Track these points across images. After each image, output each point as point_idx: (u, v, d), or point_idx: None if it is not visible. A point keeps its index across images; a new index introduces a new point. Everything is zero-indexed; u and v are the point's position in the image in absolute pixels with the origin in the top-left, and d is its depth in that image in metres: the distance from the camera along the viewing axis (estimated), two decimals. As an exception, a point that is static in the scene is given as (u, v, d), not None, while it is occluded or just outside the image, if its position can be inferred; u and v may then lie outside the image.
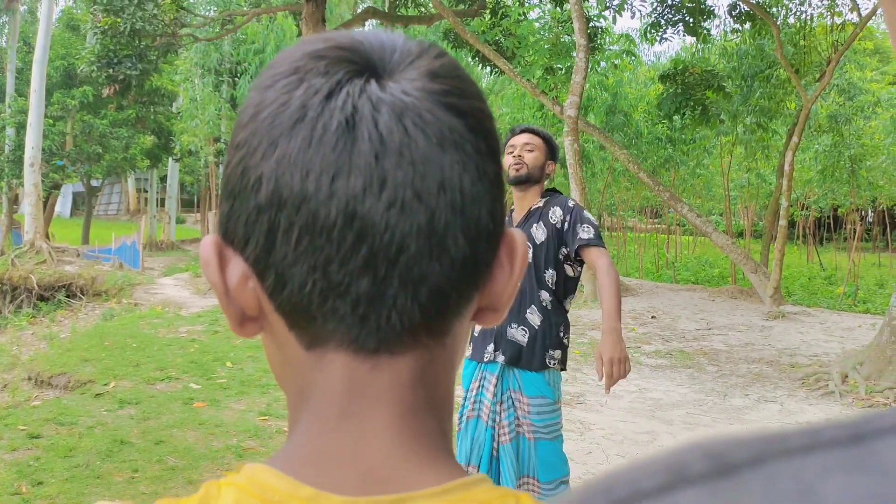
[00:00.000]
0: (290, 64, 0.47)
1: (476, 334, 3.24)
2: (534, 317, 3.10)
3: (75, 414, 6.02)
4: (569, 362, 3.29)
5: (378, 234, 0.44)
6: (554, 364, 3.12)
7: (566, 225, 3.11)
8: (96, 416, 5.98)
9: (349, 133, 0.43)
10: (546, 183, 3.30)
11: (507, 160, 3.19)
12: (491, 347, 3.15)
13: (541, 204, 3.19)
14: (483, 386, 3.17)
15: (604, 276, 3.02)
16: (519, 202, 3.27)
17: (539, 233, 3.14)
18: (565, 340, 3.21)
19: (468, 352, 3.25)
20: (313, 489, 0.44)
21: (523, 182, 3.17)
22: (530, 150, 3.17)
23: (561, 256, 3.13)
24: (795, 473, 0.17)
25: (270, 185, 0.44)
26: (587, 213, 3.14)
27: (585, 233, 3.05)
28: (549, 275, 3.12)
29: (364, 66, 0.46)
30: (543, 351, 3.12)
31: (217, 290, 0.48)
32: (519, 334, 3.11)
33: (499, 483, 3.14)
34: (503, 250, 0.50)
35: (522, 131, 3.26)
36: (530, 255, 3.09)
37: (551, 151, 3.24)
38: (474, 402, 3.20)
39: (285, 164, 0.44)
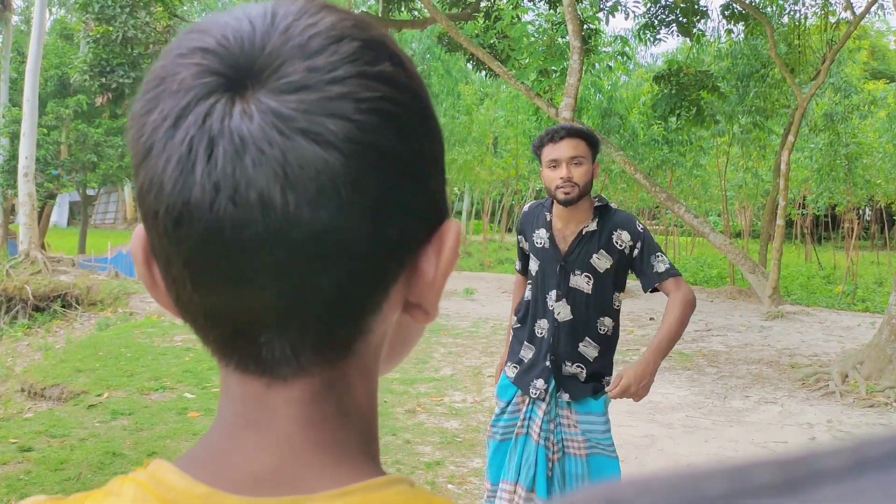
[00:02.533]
0: (158, 70, 0.44)
1: (522, 354, 3.01)
2: (589, 349, 2.90)
3: (68, 426, 5.95)
4: None
5: (229, 260, 0.42)
6: (607, 386, 2.92)
7: (636, 252, 2.84)
8: (89, 428, 5.91)
9: (186, 174, 0.41)
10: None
11: (549, 176, 2.78)
12: (540, 383, 2.93)
13: (595, 227, 2.84)
14: (531, 415, 2.97)
15: (677, 307, 2.76)
16: (566, 218, 2.87)
17: (602, 262, 2.84)
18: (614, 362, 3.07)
19: (511, 373, 3.05)
20: (208, 487, 0.45)
21: (573, 203, 2.78)
22: (578, 164, 2.74)
23: (621, 276, 2.90)
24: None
25: (143, 203, 0.44)
26: (652, 238, 2.87)
27: (662, 264, 2.81)
28: (616, 297, 2.90)
29: (226, 75, 0.42)
30: (600, 380, 2.94)
31: (144, 283, 0.48)
32: (576, 370, 2.90)
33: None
34: (432, 244, 0.48)
35: (564, 136, 2.76)
36: (590, 286, 2.84)
37: (595, 151, 2.82)
38: (524, 419, 3.00)
39: (147, 186, 0.43)
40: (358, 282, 0.44)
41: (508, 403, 3.06)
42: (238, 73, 0.42)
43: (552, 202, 2.90)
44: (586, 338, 2.89)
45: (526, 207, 3.11)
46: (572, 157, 2.74)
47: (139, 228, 0.47)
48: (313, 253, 0.42)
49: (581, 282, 2.85)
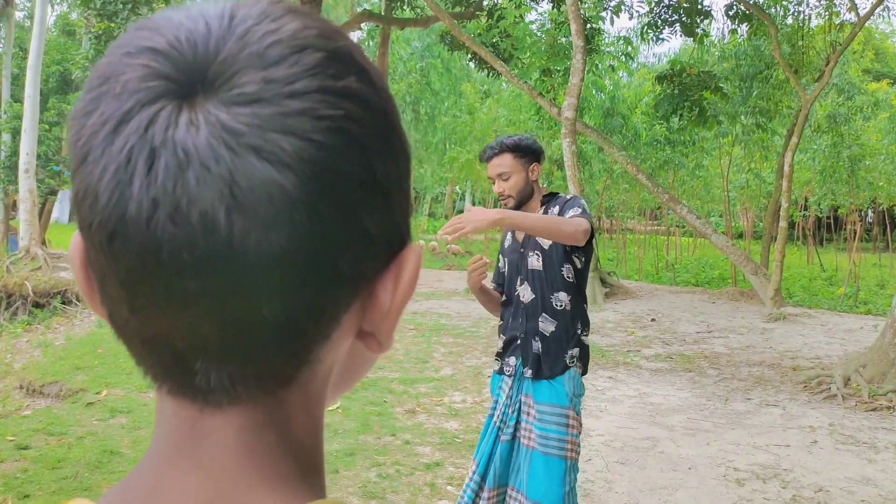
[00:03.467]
0: (102, 68, 0.40)
1: (499, 345, 3.22)
2: (546, 325, 3.06)
3: (65, 424, 5.92)
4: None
5: (166, 284, 0.38)
6: (573, 363, 3.06)
7: (559, 213, 3.05)
8: (87, 426, 5.88)
9: (123, 186, 0.38)
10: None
11: (494, 190, 3.15)
12: (512, 360, 3.15)
13: (541, 213, 3.12)
14: (501, 388, 3.18)
15: (566, 218, 2.93)
16: None
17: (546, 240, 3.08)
18: (584, 339, 3.13)
19: (496, 365, 3.26)
20: None
21: (518, 208, 3.09)
22: (506, 179, 3.07)
23: (569, 248, 3.05)
24: None
25: (79, 211, 0.41)
26: (580, 200, 3.07)
27: (572, 212, 3.00)
28: (566, 270, 3.06)
29: (175, 80, 0.38)
30: (561, 353, 3.05)
31: (82, 291, 0.45)
32: (536, 345, 3.08)
33: (482, 482, 3.07)
34: (390, 271, 0.45)
35: (490, 156, 3.09)
36: (540, 262, 3.05)
37: (529, 156, 3.08)
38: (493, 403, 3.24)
39: (81, 195, 0.40)
40: (306, 311, 0.41)
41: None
42: (188, 78, 0.38)
43: None
44: (543, 314, 3.07)
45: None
46: (499, 174, 3.07)
47: (77, 234, 0.43)
48: (259, 281, 0.38)
49: (534, 261, 3.10)
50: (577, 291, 3.08)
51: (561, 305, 3.04)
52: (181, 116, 0.37)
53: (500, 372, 3.19)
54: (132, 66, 0.39)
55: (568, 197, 3.13)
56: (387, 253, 0.44)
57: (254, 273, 0.38)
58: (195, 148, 0.37)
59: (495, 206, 3.52)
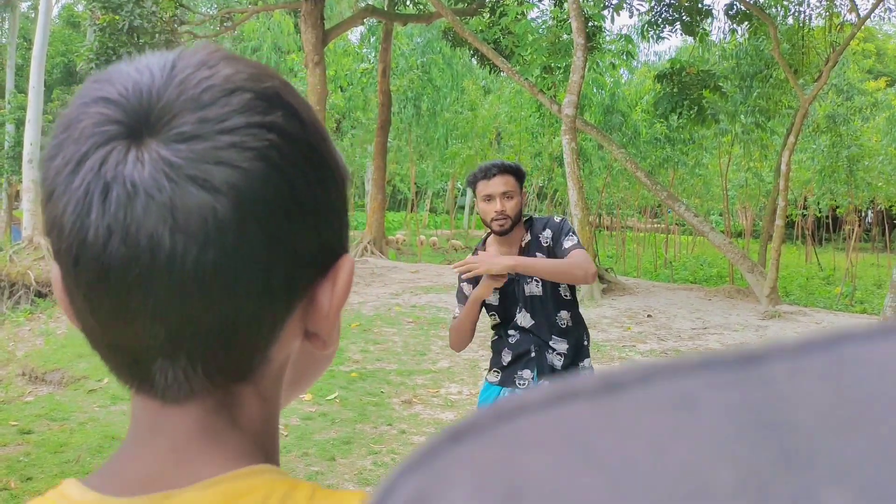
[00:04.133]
0: (64, 117, 0.48)
1: (504, 359, 3.17)
2: (559, 344, 3.11)
3: (68, 410, 6.04)
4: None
5: (119, 295, 0.46)
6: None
7: (553, 238, 3.11)
8: (89, 412, 6.00)
9: (82, 217, 0.45)
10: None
11: (485, 209, 3.05)
12: (526, 373, 3.13)
13: (529, 237, 3.12)
14: None
15: (571, 259, 3.01)
16: (506, 244, 3.13)
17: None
18: (589, 347, 3.23)
19: (493, 378, 3.22)
20: (98, 494, 0.49)
21: (507, 233, 3.07)
22: (510, 198, 3.02)
23: None
24: (679, 387, 0.18)
25: (50, 239, 0.49)
26: (569, 223, 3.16)
27: (569, 241, 3.08)
28: (563, 289, 3.12)
29: (125, 124, 0.46)
30: (576, 367, 3.14)
31: (63, 310, 0.52)
32: (551, 358, 3.11)
33: None
34: (327, 280, 0.52)
35: (497, 173, 3.03)
36: (539, 287, 3.08)
37: (523, 182, 3.11)
38: None
39: (50, 226, 0.48)
40: (246, 318, 0.47)
41: None
42: (135, 122, 0.45)
43: (485, 242, 3.18)
44: (553, 336, 3.10)
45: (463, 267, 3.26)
46: (504, 192, 3.01)
47: (56, 266, 0.50)
48: (199, 291, 0.45)
49: (533, 287, 3.11)
50: (574, 305, 3.17)
51: (565, 324, 3.11)
52: (129, 154, 0.45)
53: (506, 384, 3.17)
54: (88, 114, 0.47)
55: (556, 220, 3.16)
56: (321, 263, 0.51)
57: (194, 284, 0.45)
58: (141, 180, 0.44)
59: (482, 243, 3.55)
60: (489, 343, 3.37)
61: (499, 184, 3.01)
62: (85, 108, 0.47)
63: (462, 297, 3.21)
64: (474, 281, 3.13)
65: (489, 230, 3.12)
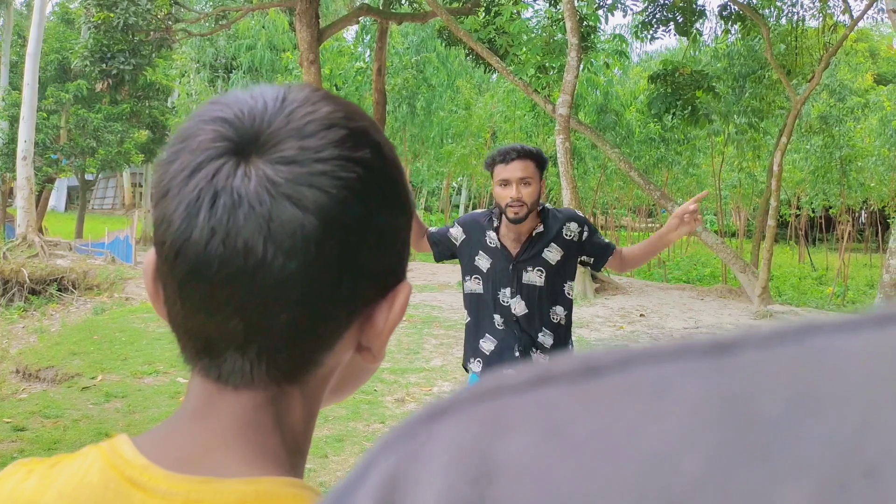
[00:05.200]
0: (183, 130, 0.55)
1: (485, 347, 3.13)
2: (546, 338, 3.08)
3: (61, 407, 6.05)
4: None
5: (211, 289, 0.52)
6: None
7: (585, 235, 3.08)
8: (82, 410, 6.01)
9: (191, 217, 0.52)
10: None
11: (500, 194, 2.95)
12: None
13: (542, 228, 3.05)
14: None
15: (639, 250, 3.19)
16: (516, 230, 3.04)
17: (553, 254, 3.05)
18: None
19: (477, 367, 3.16)
20: (147, 460, 0.55)
21: (522, 221, 2.98)
22: (528, 185, 2.92)
23: (575, 266, 3.12)
24: (657, 375, 0.18)
25: (156, 233, 0.55)
26: (586, 218, 3.18)
27: (605, 239, 3.15)
28: (568, 287, 3.10)
29: (236, 142, 0.53)
30: None
31: (149, 296, 0.59)
32: (536, 356, 3.09)
33: None
34: (386, 300, 0.58)
35: (515, 158, 2.92)
36: (542, 279, 3.04)
37: (543, 169, 3.00)
38: None
39: (160, 221, 0.54)
40: (312, 322, 0.54)
41: None
42: (246, 142, 0.52)
43: (500, 212, 3.06)
44: (543, 328, 3.06)
45: (475, 212, 3.24)
46: (521, 178, 2.92)
47: (151, 251, 0.57)
48: (279, 294, 0.52)
49: (534, 277, 3.05)
50: (572, 305, 3.14)
51: (557, 319, 3.08)
52: (238, 169, 0.51)
53: None
54: (205, 130, 0.53)
55: (582, 215, 3.16)
56: (382, 285, 0.57)
57: (276, 288, 0.51)
58: (246, 193, 0.51)
59: (488, 206, 3.49)
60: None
61: (517, 169, 2.91)
62: (203, 124, 0.54)
63: (443, 230, 3.23)
64: (473, 246, 3.11)
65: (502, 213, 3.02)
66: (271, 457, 0.56)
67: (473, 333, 3.17)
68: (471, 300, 3.16)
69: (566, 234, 3.05)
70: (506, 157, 2.93)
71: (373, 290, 0.57)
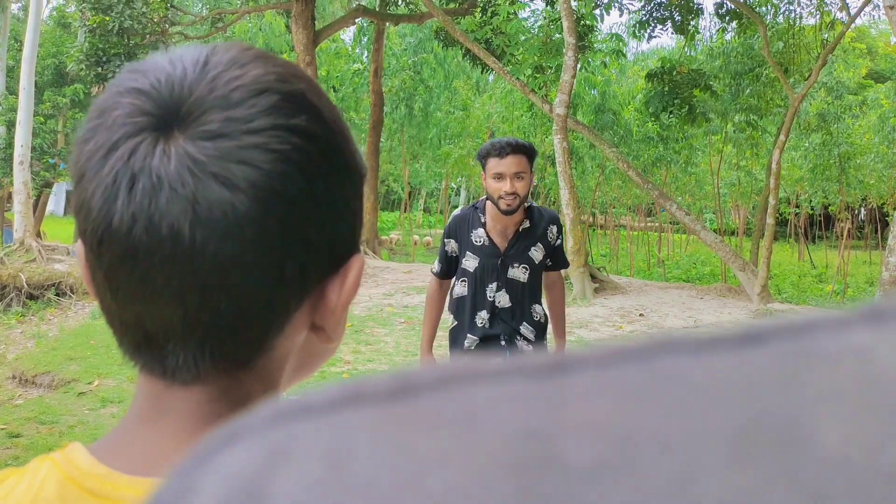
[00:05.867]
0: (100, 103, 0.50)
1: (470, 344, 3.16)
2: (527, 333, 3.16)
3: (57, 413, 6.02)
4: None
5: (140, 279, 0.48)
6: None
7: (558, 242, 3.21)
8: (78, 415, 5.98)
9: (109, 203, 0.47)
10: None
11: (494, 187, 2.98)
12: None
13: (528, 224, 3.12)
14: None
15: (561, 297, 3.34)
16: (504, 222, 3.10)
17: (538, 254, 3.15)
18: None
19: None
20: (107, 468, 0.51)
21: (514, 212, 3.03)
22: (521, 179, 2.96)
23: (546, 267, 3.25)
24: (471, 398, 0.16)
25: (77, 219, 0.51)
26: (560, 224, 3.28)
27: (563, 254, 3.26)
28: (541, 285, 3.22)
29: (155, 115, 0.48)
30: None
31: (86, 285, 0.55)
32: (521, 345, 3.17)
33: None
34: (338, 275, 0.54)
35: (509, 152, 2.96)
36: (526, 276, 3.13)
37: (534, 162, 3.07)
38: None
39: (78, 207, 0.50)
40: (256, 307, 0.50)
41: None
42: (165, 115, 0.48)
43: (484, 206, 3.14)
44: (524, 323, 3.15)
45: (454, 215, 3.27)
46: (516, 172, 2.96)
47: (80, 242, 0.53)
48: (215, 280, 0.48)
49: (518, 273, 3.14)
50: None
51: (537, 318, 3.18)
52: (157, 147, 0.47)
53: None
54: (121, 104, 0.49)
55: (561, 222, 3.25)
56: (332, 260, 0.53)
57: (211, 274, 0.47)
58: (167, 174, 0.46)
59: (481, 203, 3.43)
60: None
61: (512, 164, 2.95)
62: (119, 97, 0.49)
63: (441, 254, 3.24)
64: (462, 250, 3.15)
65: (486, 204, 3.10)
66: None
67: (456, 337, 3.25)
68: (458, 304, 3.21)
69: (549, 236, 3.16)
70: (501, 151, 2.97)
71: (322, 267, 0.52)
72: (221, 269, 0.47)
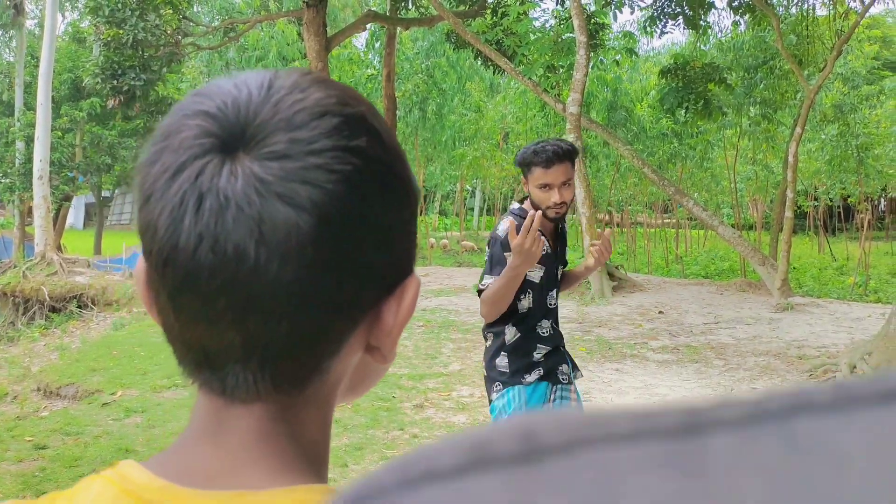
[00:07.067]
0: (164, 126, 0.51)
1: (537, 355, 3.02)
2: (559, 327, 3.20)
3: (82, 424, 6.08)
4: (576, 359, 3.33)
5: (204, 299, 0.48)
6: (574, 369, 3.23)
7: (566, 237, 3.21)
8: (102, 426, 6.04)
9: (176, 223, 0.48)
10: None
11: (541, 197, 2.89)
12: (565, 367, 3.08)
13: (563, 225, 3.14)
14: (560, 396, 3.08)
15: (579, 271, 3.24)
16: (547, 226, 3.01)
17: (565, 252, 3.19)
18: None
19: (533, 377, 3.03)
20: (165, 481, 0.51)
21: (561, 219, 2.98)
22: (568, 186, 2.88)
23: None
24: (605, 466, 0.16)
25: (142, 239, 0.51)
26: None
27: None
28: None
29: (221, 137, 0.49)
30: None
31: (143, 303, 0.55)
32: (566, 349, 3.20)
33: None
34: (394, 297, 0.54)
35: (556, 162, 2.83)
36: (559, 274, 3.12)
37: (575, 162, 2.98)
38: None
39: (144, 228, 0.50)
40: (315, 329, 0.50)
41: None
42: (231, 137, 0.49)
43: (527, 214, 2.89)
44: (557, 320, 3.18)
45: (507, 227, 2.87)
46: (563, 181, 2.87)
47: (142, 260, 0.53)
48: (277, 301, 0.48)
49: (559, 274, 3.15)
50: None
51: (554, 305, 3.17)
52: (224, 168, 0.48)
53: (549, 379, 3.04)
54: (188, 125, 0.50)
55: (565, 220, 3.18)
56: (388, 282, 0.54)
57: (274, 295, 0.48)
58: (233, 193, 0.47)
59: (508, 203, 3.32)
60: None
61: (559, 174, 2.85)
62: (185, 119, 0.50)
63: (503, 267, 2.85)
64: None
65: (537, 209, 2.89)
66: (296, 468, 0.53)
67: (524, 350, 3.03)
68: (520, 318, 3.02)
69: (565, 235, 3.19)
70: (548, 162, 2.84)
71: (378, 290, 0.53)
72: (282, 290, 0.48)
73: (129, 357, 8.68)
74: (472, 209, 38.29)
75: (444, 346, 8.98)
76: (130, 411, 6.40)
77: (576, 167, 2.98)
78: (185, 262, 0.48)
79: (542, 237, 2.75)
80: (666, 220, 29.88)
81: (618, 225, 29.00)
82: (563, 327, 3.29)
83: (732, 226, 14.89)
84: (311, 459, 0.55)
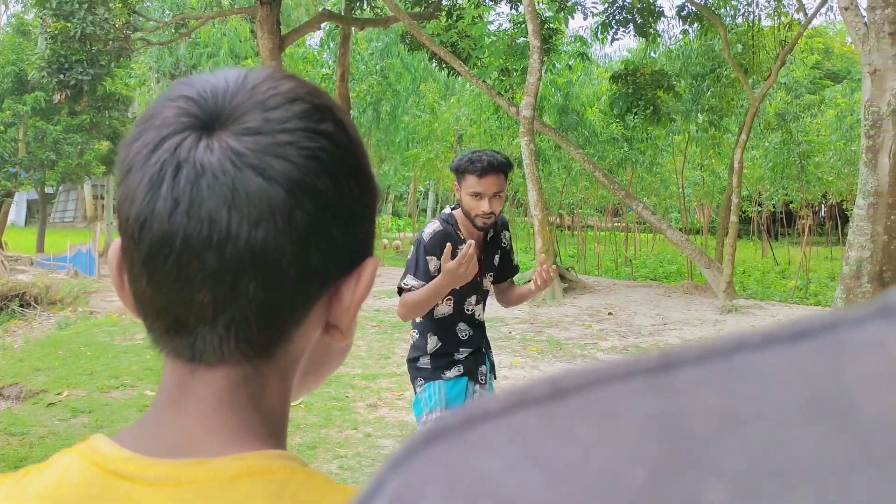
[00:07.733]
0: (148, 110, 0.56)
1: (458, 355, 3.13)
2: (486, 335, 3.30)
3: (26, 424, 5.95)
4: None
5: (177, 261, 0.52)
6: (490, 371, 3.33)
7: (509, 247, 3.27)
8: (48, 426, 5.91)
9: (154, 189, 0.52)
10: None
11: (471, 204, 2.97)
12: (483, 369, 3.21)
13: (492, 233, 3.17)
14: (477, 393, 3.21)
15: (515, 293, 3.34)
16: (474, 233, 3.08)
17: (496, 260, 3.23)
18: None
19: (458, 371, 3.13)
20: (131, 452, 0.54)
21: (489, 228, 3.07)
22: (499, 197, 2.98)
23: None
24: (609, 395, 0.21)
25: (120, 211, 0.55)
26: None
27: (513, 259, 3.31)
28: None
29: (200, 118, 0.53)
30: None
31: (114, 285, 0.59)
32: (489, 353, 3.31)
33: None
34: (353, 275, 0.58)
35: (490, 172, 2.93)
36: (488, 283, 3.19)
37: (508, 175, 3.07)
38: None
39: (124, 198, 0.54)
40: (281, 294, 0.54)
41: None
42: (209, 116, 0.53)
43: (455, 219, 3.08)
44: (483, 329, 3.28)
45: (433, 231, 3.07)
46: (495, 192, 2.96)
47: (117, 240, 0.57)
48: (246, 264, 0.52)
49: (487, 283, 3.21)
50: None
51: (483, 319, 3.30)
52: (201, 142, 0.52)
53: (471, 378, 3.16)
54: (170, 107, 0.54)
55: (507, 224, 3.28)
56: (350, 259, 0.58)
57: (243, 258, 0.52)
58: (209, 164, 0.51)
59: (452, 217, 3.37)
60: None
61: (491, 184, 2.93)
62: (167, 102, 0.55)
63: (423, 271, 2.99)
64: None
65: (459, 218, 3.06)
66: (255, 435, 0.56)
67: (445, 352, 3.14)
68: (439, 324, 3.12)
69: (503, 243, 3.22)
70: (481, 171, 2.92)
71: (342, 264, 0.57)
72: (252, 253, 0.52)
73: (75, 357, 8.50)
74: (426, 210, 38.34)
75: (397, 347, 9.00)
76: (77, 411, 6.28)
77: (513, 177, 3.11)
78: (160, 225, 0.52)
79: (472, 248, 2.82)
80: (616, 224, 30.32)
81: (569, 227, 29.34)
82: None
83: (680, 230, 15.22)
84: (270, 428, 0.58)
